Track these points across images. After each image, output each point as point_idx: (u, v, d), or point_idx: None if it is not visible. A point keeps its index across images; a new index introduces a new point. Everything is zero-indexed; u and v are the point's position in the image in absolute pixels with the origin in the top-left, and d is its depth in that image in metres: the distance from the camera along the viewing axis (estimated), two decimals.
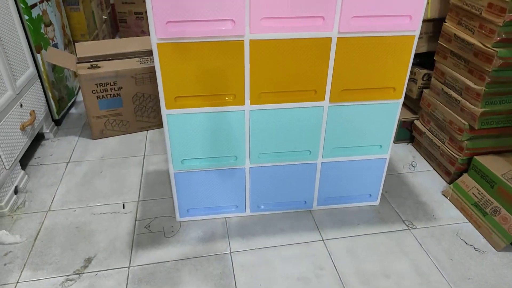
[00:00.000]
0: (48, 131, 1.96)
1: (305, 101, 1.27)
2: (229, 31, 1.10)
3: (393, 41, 1.19)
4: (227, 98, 1.23)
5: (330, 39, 1.16)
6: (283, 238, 1.40)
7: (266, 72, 1.19)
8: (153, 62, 1.94)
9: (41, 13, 1.91)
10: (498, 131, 1.54)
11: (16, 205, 1.54)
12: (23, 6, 1.74)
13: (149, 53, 2.03)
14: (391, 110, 1.33)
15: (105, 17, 3.15)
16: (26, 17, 1.77)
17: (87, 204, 1.55)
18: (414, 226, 1.46)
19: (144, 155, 1.88)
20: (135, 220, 1.47)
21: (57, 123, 2.09)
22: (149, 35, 3.45)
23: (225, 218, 1.49)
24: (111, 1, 3.48)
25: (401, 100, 1.32)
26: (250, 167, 1.38)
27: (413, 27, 1.17)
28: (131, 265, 1.29)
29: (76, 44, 2.05)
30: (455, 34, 1.54)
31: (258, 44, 1.14)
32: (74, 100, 2.36)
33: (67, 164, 1.80)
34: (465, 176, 1.59)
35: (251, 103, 1.25)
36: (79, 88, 2.45)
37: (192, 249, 1.35)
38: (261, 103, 1.25)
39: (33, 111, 1.76)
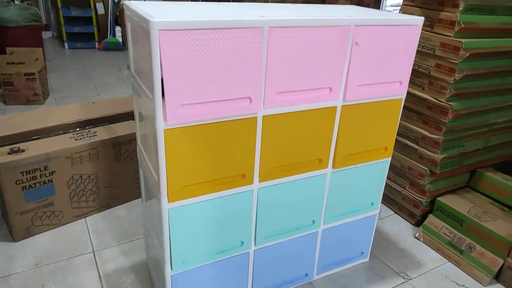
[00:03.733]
0: None
1: (309, 171, 1.21)
2: (245, 109, 0.99)
3: (387, 104, 1.23)
4: (236, 180, 1.08)
5: (335, 107, 1.14)
6: None
7: (276, 147, 1.10)
8: (91, 137, 1.64)
9: None
10: (451, 172, 1.71)
11: None
12: None
13: (81, 125, 1.72)
14: (383, 167, 1.36)
15: None
16: None
17: None
18: (409, 277, 1.49)
19: (93, 251, 1.53)
20: None
21: None
22: (42, 99, 2.98)
23: None
24: None
25: (390, 158, 1.36)
26: (254, 250, 1.23)
27: (402, 91, 1.24)
28: None
29: None
30: None
31: (271, 119, 1.05)
32: None
33: None
34: (431, 218, 1.71)
35: (260, 181, 1.13)
36: None
37: None
38: (270, 179, 1.14)
39: None
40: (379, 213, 1.87)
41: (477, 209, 1.62)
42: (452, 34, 1.47)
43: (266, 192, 1.15)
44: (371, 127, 1.24)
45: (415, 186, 1.75)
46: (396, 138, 1.79)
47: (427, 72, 1.58)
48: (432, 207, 1.73)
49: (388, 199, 1.91)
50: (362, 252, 1.53)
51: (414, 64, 1.63)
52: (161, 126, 0.90)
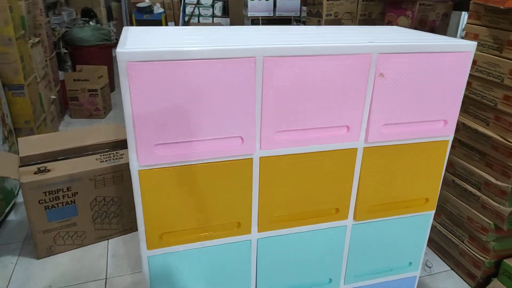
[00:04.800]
0: None
1: (324, 222, 1.01)
2: (236, 150, 0.85)
3: (425, 147, 1.00)
4: (229, 228, 0.94)
5: (355, 150, 0.95)
6: None
7: (278, 193, 0.94)
8: (117, 159, 1.63)
9: None
10: None
11: None
12: None
13: (112, 146, 1.72)
14: (423, 222, 1.11)
15: (54, 97, 2.81)
16: None
17: None
18: None
19: (106, 278, 1.48)
20: None
21: None
22: (103, 114, 3.15)
23: None
24: (61, 78, 3.17)
25: (433, 211, 1.11)
26: None
27: (447, 132, 0.99)
28: None
29: (18, 140, 1.70)
30: (463, 123, 1.41)
31: (270, 161, 0.89)
32: (14, 203, 1.93)
33: None
34: (496, 282, 1.38)
35: (259, 231, 0.97)
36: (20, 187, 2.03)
37: None
38: (272, 229, 0.98)
39: None
40: (430, 267, 1.57)
41: None
42: None
43: (268, 243, 0.99)
44: (405, 174, 1.01)
45: (476, 242, 1.43)
46: (452, 180, 1.49)
47: (493, 104, 1.29)
48: (497, 270, 1.40)
49: (443, 252, 1.60)
50: None
51: (477, 95, 1.35)
52: (135, 166, 0.80)
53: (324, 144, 0.91)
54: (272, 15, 3.81)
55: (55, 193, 1.50)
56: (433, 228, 1.63)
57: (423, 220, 1.11)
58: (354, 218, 1.03)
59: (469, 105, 1.40)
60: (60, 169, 1.53)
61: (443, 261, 1.61)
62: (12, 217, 1.84)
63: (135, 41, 0.78)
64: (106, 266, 1.55)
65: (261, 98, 0.82)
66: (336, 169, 0.96)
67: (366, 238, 1.07)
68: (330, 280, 1.10)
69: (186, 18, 4.84)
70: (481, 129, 1.34)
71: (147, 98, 0.74)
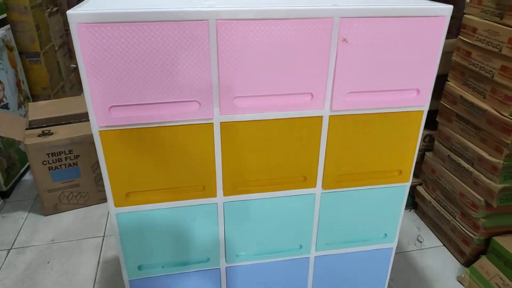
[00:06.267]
0: None
1: (292, 189, 1.02)
2: (194, 114, 0.86)
3: (397, 117, 0.97)
4: (194, 191, 0.97)
5: (320, 118, 0.93)
6: None
7: (243, 159, 0.95)
8: None
9: None
10: None
11: None
12: None
13: None
14: (397, 195, 1.09)
15: (74, 66, 2.92)
16: None
17: None
18: None
19: (103, 236, 1.58)
20: None
21: (5, 195, 1.80)
22: None
23: None
24: None
25: (409, 184, 1.08)
26: (226, 267, 1.11)
27: (421, 102, 0.96)
28: None
29: (29, 104, 1.80)
30: (461, 96, 1.34)
31: (231, 127, 0.90)
32: (29, 165, 2.07)
33: (8, 252, 1.49)
34: (484, 260, 1.35)
35: (224, 195, 0.99)
36: None
37: None
38: (238, 194, 1.00)
39: None
40: (421, 242, 1.56)
41: None
42: None
43: (234, 207, 1.01)
44: (375, 144, 0.99)
45: (466, 218, 1.39)
46: (448, 155, 1.44)
47: (490, 75, 1.21)
48: (487, 248, 1.36)
49: (437, 227, 1.57)
50: None
51: (476, 65, 1.27)
52: (95, 127, 0.84)
53: (288, 111, 0.91)
54: None
55: (58, 155, 1.60)
56: (427, 203, 1.59)
57: (397, 192, 1.09)
58: (323, 187, 1.03)
59: (469, 77, 1.33)
60: (62, 133, 1.61)
61: (437, 237, 1.58)
62: (27, 177, 1.98)
63: (93, 3, 0.80)
64: (105, 225, 1.65)
65: (217, 62, 0.82)
66: (302, 137, 0.95)
67: (336, 207, 1.07)
68: (301, 246, 1.12)
69: None
70: (477, 102, 1.28)
71: (98, 61, 0.77)
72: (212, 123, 0.89)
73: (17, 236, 1.58)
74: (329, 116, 0.93)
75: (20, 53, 2.15)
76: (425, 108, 0.97)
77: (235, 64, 0.83)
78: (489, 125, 1.23)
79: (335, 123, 0.95)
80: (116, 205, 0.94)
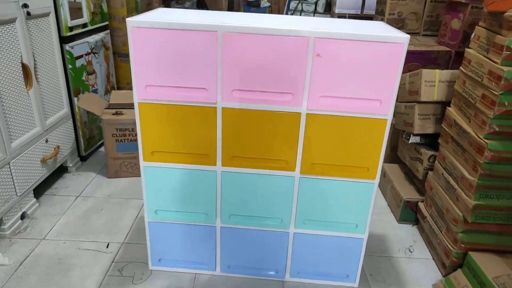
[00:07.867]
0: (71, 165, 2.17)
1: (276, 169, 1.29)
2: (203, 98, 1.19)
3: (364, 122, 1.20)
4: (200, 157, 1.29)
5: (299, 114, 1.20)
6: None
7: (238, 138, 1.25)
8: None
9: (85, 63, 2.20)
10: (497, 227, 1.41)
11: (19, 230, 1.69)
12: (68, 57, 2.03)
13: None
14: (366, 190, 1.30)
15: None
16: (70, 66, 2.05)
17: (77, 238, 1.66)
18: None
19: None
20: (112, 261, 1.54)
21: (84, 158, 2.31)
22: None
23: (195, 274, 1.50)
24: None
25: (376, 181, 1.28)
26: (221, 227, 1.41)
27: (384, 112, 1.17)
28: None
29: (112, 92, 2.30)
30: (455, 120, 1.49)
31: (230, 112, 1.22)
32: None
33: (76, 198, 1.96)
34: (459, 272, 1.45)
35: (222, 165, 1.30)
36: None
37: None
38: (232, 166, 1.30)
39: (58, 146, 1.98)
40: (411, 252, 1.69)
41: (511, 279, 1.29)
42: (499, 61, 1.24)
43: (229, 176, 1.31)
44: (344, 142, 1.22)
45: (449, 233, 1.51)
46: (442, 173, 1.58)
47: (474, 102, 1.36)
48: (463, 262, 1.46)
49: (429, 242, 1.68)
50: (348, 275, 1.46)
51: (467, 93, 1.42)
52: (136, 99, 1.22)
53: (273, 105, 1.19)
54: (359, 12, 3.93)
55: (124, 131, 2.05)
56: (424, 218, 1.72)
57: (365, 188, 1.29)
58: (300, 172, 1.28)
59: (463, 103, 1.47)
60: (129, 114, 2.06)
61: (429, 251, 1.69)
62: (102, 149, 2.50)
63: (150, 15, 1.18)
64: None
65: (221, 62, 1.14)
66: (284, 128, 1.23)
67: (312, 191, 1.31)
68: (282, 220, 1.37)
69: (289, 13, 5.21)
70: (464, 125, 1.42)
71: (143, 53, 1.14)
72: (216, 107, 1.21)
73: (85, 188, 2.05)
74: (306, 113, 1.20)
75: (114, 52, 2.72)
76: (389, 117, 1.19)
77: (234, 64, 1.14)
78: (470, 146, 1.37)
79: (312, 120, 1.21)
80: (144, 159, 1.30)
